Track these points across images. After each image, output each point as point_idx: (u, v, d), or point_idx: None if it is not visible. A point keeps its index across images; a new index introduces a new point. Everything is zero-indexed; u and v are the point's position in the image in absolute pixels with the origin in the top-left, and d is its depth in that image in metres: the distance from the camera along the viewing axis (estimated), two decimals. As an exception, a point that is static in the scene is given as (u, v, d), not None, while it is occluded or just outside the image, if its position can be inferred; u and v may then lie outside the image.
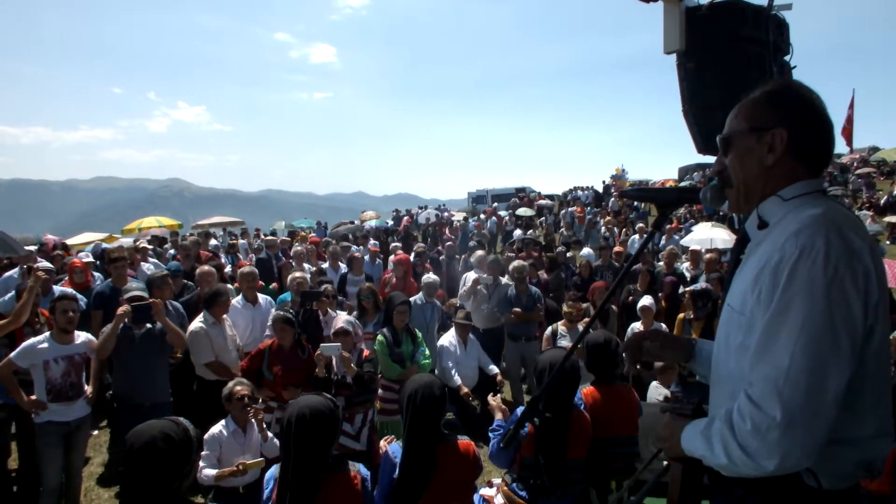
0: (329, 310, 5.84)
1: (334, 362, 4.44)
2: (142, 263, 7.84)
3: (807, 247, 1.21)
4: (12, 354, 4.13)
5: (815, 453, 1.18)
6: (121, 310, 4.35)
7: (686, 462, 1.48)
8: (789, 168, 1.39)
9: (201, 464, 3.55)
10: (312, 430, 2.39)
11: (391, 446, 2.85)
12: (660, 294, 7.22)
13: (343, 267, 8.42)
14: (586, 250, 11.04)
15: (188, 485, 2.11)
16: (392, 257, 9.01)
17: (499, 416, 3.27)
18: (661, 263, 8.88)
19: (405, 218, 24.87)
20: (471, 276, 7.19)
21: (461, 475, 2.84)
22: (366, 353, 4.72)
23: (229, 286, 5.85)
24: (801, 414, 1.15)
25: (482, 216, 24.46)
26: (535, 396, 1.78)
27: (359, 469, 2.57)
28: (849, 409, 1.22)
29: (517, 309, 6.50)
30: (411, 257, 9.25)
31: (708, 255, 8.34)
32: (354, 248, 10.00)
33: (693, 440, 1.37)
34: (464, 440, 2.90)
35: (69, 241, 16.84)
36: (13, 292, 5.55)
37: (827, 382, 1.16)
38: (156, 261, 9.09)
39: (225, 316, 5.19)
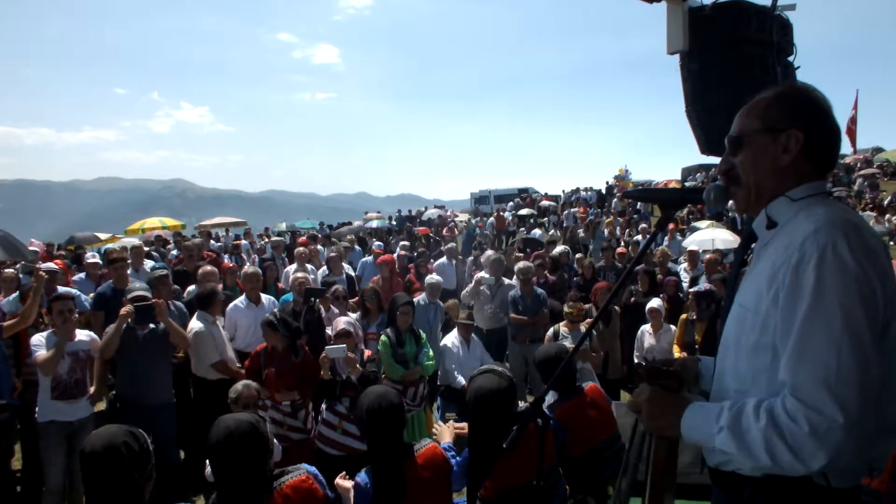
0: (333, 307, 5.86)
1: (338, 364, 4.44)
2: (143, 263, 7.85)
3: (829, 245, 1.21)
4: (37, 358, 4.11)
5: (861, 450, 1.19)
6: (124, 310, 4.36)
7: (672, 441, 1.44)
8: (800, 169, 1.40)
9: (208, 461, 3.56)
10: (241, 449, 2.21)
11: (359, 475, 2.66)
12: (661, 295, 7.21)
13: (347, 267, 8.45)
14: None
15: (150, 490, 2.08)
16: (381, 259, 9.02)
17: (447, 438, 3.02)
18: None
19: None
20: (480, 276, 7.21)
21: (435, 481, 2.71)
22: (367, 353, 4.71)
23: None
24: (860, 413, 1.15)
25: (489, 218, 24.40)
26: (538, 397, 1.77)
27: (306, 469, 2.49)
28: None
29: (518, 316, 6.50)
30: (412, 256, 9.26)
31: (708, 256, 8.30)
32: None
33: (706, 431, 1.31)
34: (427, 446, 2.77)
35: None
36: (17, 293, 5.57)
37: (872, 379, 1.17)
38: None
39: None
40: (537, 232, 19.36)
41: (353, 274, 8.65)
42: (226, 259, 11.52)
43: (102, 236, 17.68)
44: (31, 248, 8.51)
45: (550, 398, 3.59)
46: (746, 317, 1.39)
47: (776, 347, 1.30)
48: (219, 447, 2.23)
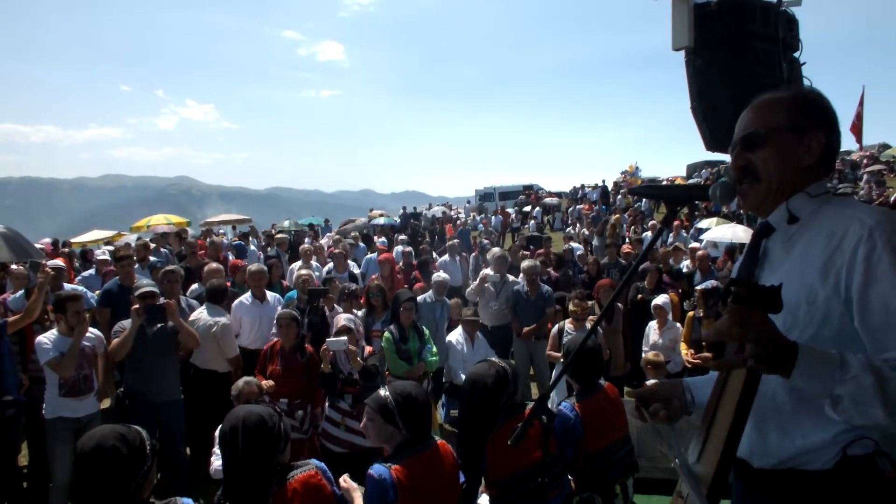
0: (336, 306, 5.87)
1: (339, 360, 4.44)
2: (150, 259, 7.88)
3: (888, 226, 1.27)
4: (47, 357, 4.10)
5: None
6: (135, 310, 4.36)
7: (754, 373, 1.21)
8: (816, 170, 1.46)
9: (213, 459, 3.58)
10: (250, 441, 2.18)
11: (376, 467, 2.34)
12: (669, 292, 7.18)
13: (352, 265, 8.46)
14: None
15: (147, 495, 2.08)
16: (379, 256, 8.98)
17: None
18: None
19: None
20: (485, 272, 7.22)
21: None
22: (368, 349, 4.72)
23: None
24: None
25: (493, 217, 24.31)
26: (542, 394, 1.77)
27: (315, 464, 2.43)
28: None
29: (527, 329, 6.53)
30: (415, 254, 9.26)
31: (700, 252, 8.27)
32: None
33: (824, 378, 1.16)
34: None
35: (78, 239, 16.99)
36: (23, 290, 5.60)
37: None
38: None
39: None
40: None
41: (356, 271, 8.66)
42: (231, 258, 11.54)
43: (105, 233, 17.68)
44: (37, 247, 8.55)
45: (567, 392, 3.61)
46: (798, 311, 1.34)
47: (843, 339, 1.28)
48: (228, 437, 2.23)
